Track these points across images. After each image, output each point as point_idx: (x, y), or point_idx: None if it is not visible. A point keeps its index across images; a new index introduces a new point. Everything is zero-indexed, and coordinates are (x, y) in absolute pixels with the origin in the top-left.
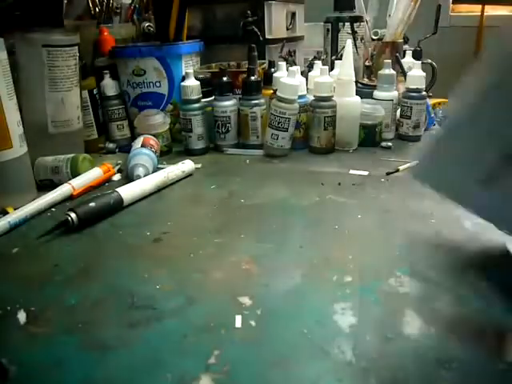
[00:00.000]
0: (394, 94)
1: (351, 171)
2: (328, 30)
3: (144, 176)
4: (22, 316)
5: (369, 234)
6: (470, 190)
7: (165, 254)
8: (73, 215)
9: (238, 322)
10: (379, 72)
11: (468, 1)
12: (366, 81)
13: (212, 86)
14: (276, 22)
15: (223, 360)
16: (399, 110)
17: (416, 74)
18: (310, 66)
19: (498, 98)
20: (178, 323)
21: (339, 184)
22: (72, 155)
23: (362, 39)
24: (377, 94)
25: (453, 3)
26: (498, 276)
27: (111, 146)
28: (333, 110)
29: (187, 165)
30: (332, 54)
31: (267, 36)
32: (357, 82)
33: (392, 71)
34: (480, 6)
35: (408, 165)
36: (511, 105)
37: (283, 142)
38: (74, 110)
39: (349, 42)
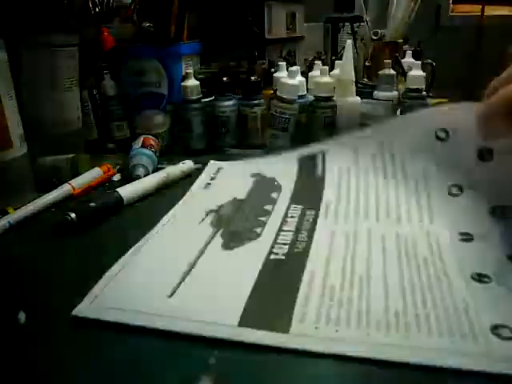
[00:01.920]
0: (394, 94)
1: None
2: (328, 30)
3: (144, 176)
4: (22, 317)
5: None
6: None
7: None
8: (73, 215)
9: None
10: (379, 72)
11: (468, 1)
12: (365, 81)
13: (212, 86)
14: (276, 22)
15: (224, 359)
16: (399, 110)
17: (416, 73)
18: (310, 66)
19: None
20: None
21: None
22: (72, 155)
23: (362, 39)
24: (377, 93)
25: (453, 3)
26: None
27: (111, 146)
28: (333, 110)
29: (187, 165)
30: (332, 54)
31: (267, 36)
32: (357, 82)
33: (392, 71)
34: (480, 6)
35: None
36: None
37: (283, 142)
38: (73, 110)
39: (349, 42)
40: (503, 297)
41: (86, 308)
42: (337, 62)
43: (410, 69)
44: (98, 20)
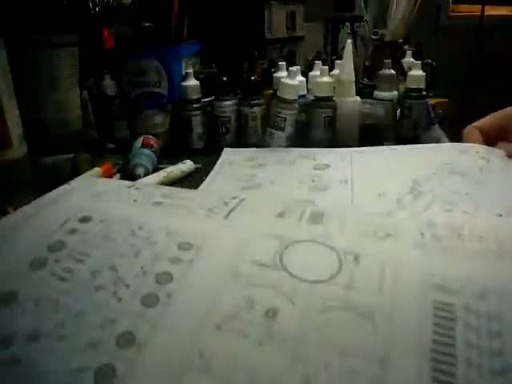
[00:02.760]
0: (393, 93)
1: None
2: (328, 29)
3: (144, 176)
4: None
5: None
6: None
7: None
8: None
9: None
10: (379, 72)
11: (468, 1)
12: (365, 81)
13: (212, 86)
14: (276, 22)
15: None
16: (399, 109)
17: (416, 73)
18: (310, 66)
19: None
20: None
21: None
22: (72, 155)
23: (362, 39)
24: (377, 93)
25: (453, 3)
26: None
27: (111, 146)
28: (333, 110)
29: (187, 165)
30: (332, 54)
31: (267, 36)
32: (357, 81)
33: (392, 71)
34: (480, 6)
35: None
36: None
37: (281, 141)
38: (74, 109)
39: (349, 42)
40: None
41: None
42: (337, 61)
43: (410, 69)
44: (98, 20)
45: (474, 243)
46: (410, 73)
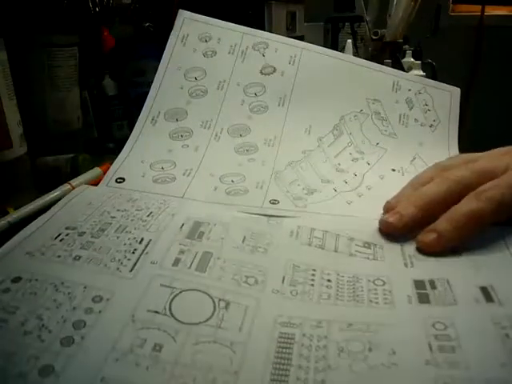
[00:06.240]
0: None
1: None
2: (328, 30)
3: None
4: None
5: None
6: None
7: None
8: None
9: None
10: None
11: (468, 1)
12: None
13: None
14: (276, 22)
15: None
16: None
17: (416, 73)
18: None
19: None
20: None
21: None
22: (72, 155)
23: (362, 39)
24: None
25: (453, 3)
26: None
27: (111, 146)
28: None
29: None
30: None
31: None
32: None
33: None
34: (480, 6)
35: None
36: None
37: None
38: (74, 109)
39: (349, 42)
40: None
41: None
42: None
43: (410, 69)
44: (97, 20)
45: (320, 288)
46: (410, 73)
